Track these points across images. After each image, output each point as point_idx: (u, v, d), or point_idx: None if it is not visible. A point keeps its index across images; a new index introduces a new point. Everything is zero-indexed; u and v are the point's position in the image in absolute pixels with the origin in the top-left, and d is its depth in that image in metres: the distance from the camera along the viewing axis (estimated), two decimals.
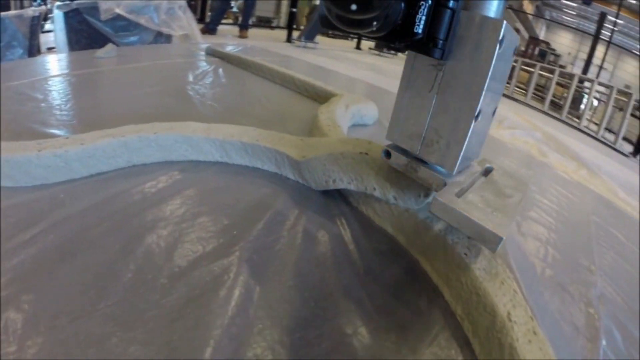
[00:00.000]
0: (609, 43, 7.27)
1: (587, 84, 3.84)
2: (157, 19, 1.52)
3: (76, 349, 0.22)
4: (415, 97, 0.33)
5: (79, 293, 0.25)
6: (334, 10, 0.27)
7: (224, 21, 3.18)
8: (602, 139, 2.90)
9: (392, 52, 3.77)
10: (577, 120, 3.33)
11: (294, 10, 3.14)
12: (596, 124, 3.31)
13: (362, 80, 1.56)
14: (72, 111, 0.57)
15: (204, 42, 1.59)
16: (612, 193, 1.11)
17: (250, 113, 0.73)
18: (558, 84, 3.68)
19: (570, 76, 3.62)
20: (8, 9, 1.50)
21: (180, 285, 0.27)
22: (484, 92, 0.29)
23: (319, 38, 2.90)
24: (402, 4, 0.26)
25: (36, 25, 1.42)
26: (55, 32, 1.41)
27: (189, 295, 0.27)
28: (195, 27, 1.79)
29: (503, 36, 0.28)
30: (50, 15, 1.58)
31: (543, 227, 0.55)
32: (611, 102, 3.06)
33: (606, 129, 3.16)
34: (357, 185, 0.41)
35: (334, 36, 4.80)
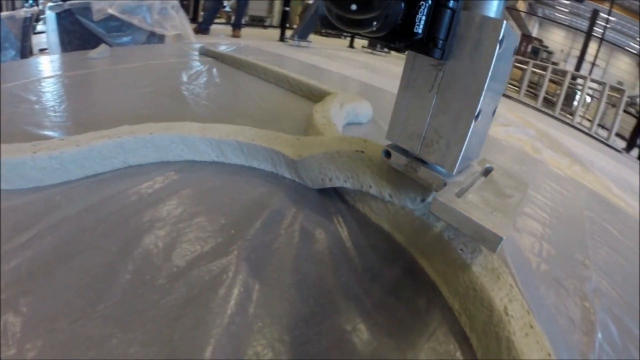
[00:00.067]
0: (602, 40, 7.33)
1: (579, 80, 3.87)
2: (150, 19, 1.52)
3: (76, 351, 0.22)
4: (415, 97, 0.33)
5: (78, 295, 0.25)
6: (334, 10, 0.27)
7: (216, 21, 3.17)
8: (595, 135, 2.92)
9: (385, 50, 3.78)
10: (570, 116, 3.36)
11: (287, 9, 3.14)
12: (589, 120, 3.34)
13: (356, 78, 1.57)
14: (66, 113, 0.57)
15: (197, 42, 1.58)
16: (606, 188, 1.12)
17: (245, 112, 0.73)
18: (551, 81, 3.71)
19: (563, 73, 3.65)
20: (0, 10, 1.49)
21: (179, 285, 0.28)
22: (484, 92, 0.29)
23: (311, 37, 2.90)
24: (402, 4, 0.26)
25: (28, 27, 1.41)
26: (47, 33, 1.40)
27: (188, 295, 0.27)
28: (188, 27, 1.78)
29: (503, 36, 0.28)
30: (42, 16, 1.57)
31: (537, 223, 0.55)
32: (604, 99, 3.09)
33: (599, 125, 3.19)
34: (354, 183, 0.41)
35: (327, 35, 4.81)
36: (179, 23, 1.70)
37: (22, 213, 0.32)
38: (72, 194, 0.36)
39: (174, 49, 1.36)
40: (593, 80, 3.56)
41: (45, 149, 0.37)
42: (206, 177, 0.44)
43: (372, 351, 0.26)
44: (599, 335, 0.35)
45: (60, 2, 1.30)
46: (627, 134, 3.34)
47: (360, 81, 1.52)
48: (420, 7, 0.27)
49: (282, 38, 2.88)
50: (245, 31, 3.06)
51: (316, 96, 0.89)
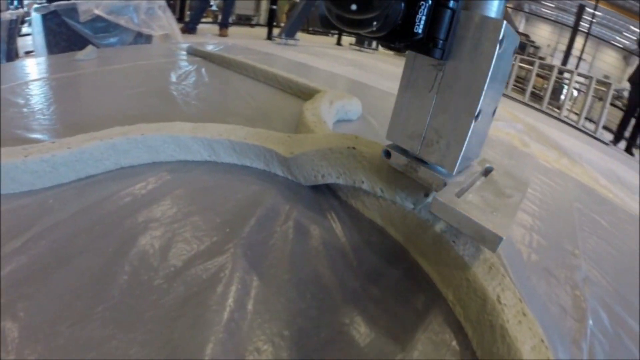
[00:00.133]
0: (588, 34, 7.42)
1: (566, 74, 3.91)
2: (137, 19, 1.50)
3: (76, 354, 0.22)
4: (415, 97, 0.33)
5: (75, 298, 0.25)
6: (334, 10, 0.27)
7: (203, 20, 3.14)
8: (583, 129, 2.96)
9: (373, 47, 3.79)
10: (557, 110, 3.40)
11: (274, 7, 3.13)
12: (576, 113, 3.38)
13: (344, 75, 1.57)
14: (55, 115, 0.56)
15: (185, 42, 1.57)
16: (594, 180, 1.14)
17: (235, 111, 0.73)
18: (538, 75, 3.75)
19: (550, 67, 3.69)
20: None
21: (176, 284, 0.28)
22: (484, 92, 0.29)
23: (299, 35, 2.89)
24: (402, 4, 0.26)
25: (13, 29, 1.39)
26: (33, 35, 1.38)
27: (186, 294, 0.27)
28: (175, 27, 1.77)
29: (503, 36, 0.28)
30: (27, 18, 1.54)
31: (527, 215, 0.56)
32: (591, 92, 3.13)
33: (586, 118, 3.24)
34: (346, 179, 0.41)
35: (314, 32, 4.80)
36: (166, 23, 1.69)
37: (16, 217, 0.32)
38: (65, 197, 0.36)
39: (162, 49, 1.35)
40: (580, 75, 3.60)
41: (36, 152, 0.36)
42: (199, 177, 0.44)
43: (370, 343, 0.27)
44: (590, 322, 0.36)
45: (45, 4, 1.28)
46: (614, 127, 3.39)
47: (348, 78, 1.52)
48: (420, 7, 0.27)
49: (269, 36, 2.87)
50: (232, 30, 3.05)
51: (305, 94, 0.89)
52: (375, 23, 0.26)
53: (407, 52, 0.32)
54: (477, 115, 0.30)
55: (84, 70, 0.87)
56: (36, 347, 0.22)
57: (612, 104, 3.41)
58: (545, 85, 3.56)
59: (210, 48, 1.35)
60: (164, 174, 0.43)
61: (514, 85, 3.78)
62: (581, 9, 6.62)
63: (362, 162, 0.40)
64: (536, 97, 3.84)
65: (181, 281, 0.28)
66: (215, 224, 0.36)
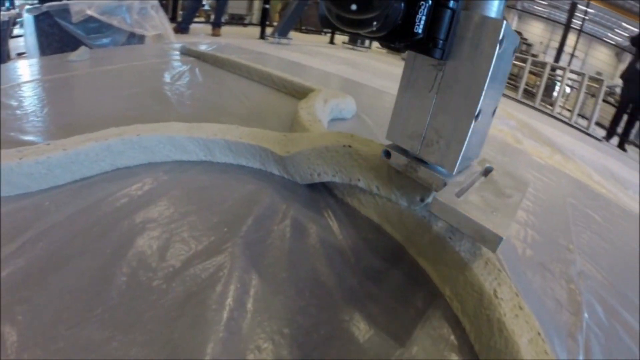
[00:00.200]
0: (580, 32, 7.47)
1: (559, 71, 3.94)
2: (130, 19, 1.49)
3: (76, 356, 0.22)
4: (415, 97, 0.33)
5: (74, 300, 0.25)
6: (334, 10, 0.27)
7: (196, 20, 3.13)
8: (575, 125, 2.99)
9: (366, 46, 3.79)
10: (550, 107, 3.42)
11: (267, 6, 3.12)
12: (569, 110, 3.41)
13: (337, 74, 1.58)
14: (49, 117, 0.56)
15: (178, 42, 1.57)
16: (587, 176, 1.15)
17: (229, 111, 0.73)
18: (531, 72, 3.77)
19: (543, 65, 3.71)
20: None
21: (175, 284, 0.28)
22: (484, 92, 0.29)
23: (292, 33, 2.89)
24: (402, 4, 0.26)
25: (5, 30, 1.37)
26: (25, 36, 1.37)
27: (185, 293, 0.27)
28: (168, 27, 1.76)
29: (503, 36, 0.28)
30: (19, 20, 1.53)
31: (522, 211, 0.57)
32: (583, 89, 3.16)
33: (579, 115, 3.26)
34: (342, 177, 0.41)
35: (307, 31, 4.80)
36: (159, 23, 1.68)
37: (12, 220, 0.32)
38: (61, 199, 0.36)
39: (155, 49, 1.35)
40: (572, 71, 3.63)
41: (31, 154, 0.36)
42: (195, 177, 0.44)
43: (370, 339, 0.27)
44: (586, 315, 0.36)
45: (37, 5, 1.27)
46: (606, 123, 3.42)
47: (341, 77, 1.53)
48: (420, 7, 0.27)
49: (262, 36, 2.86)
50: (225, 30, 3.03)
51: (300, 93, 0.89)
52: (375, 23, 0.26)
53: (406, 52, 0.32)
54: (477, 115, 0.30)
55: (77, 71, 0.86)
56: (35, 350, 0.22)
57: (604, 101, 3.44)
58: (538, 83, 3.59)
59: (203, 48, 1.35)
60: (160, 174, 0.43)
61: (507, 83, 3.80)
62: (573, 6, 6.67)
63: (358, 160, 0.40)
64: (529, 94, 3.86)
65: (180, 281, 0.28)
66: (212, 223, 0.36)
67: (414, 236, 0.37)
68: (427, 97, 0.32)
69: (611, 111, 3.46)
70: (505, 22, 0.28)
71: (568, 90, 4.31)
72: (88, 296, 0.26)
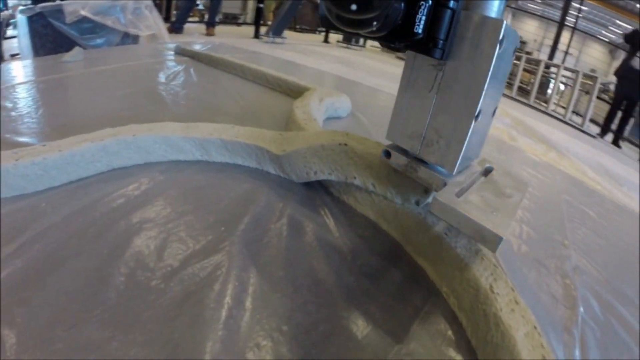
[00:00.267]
0: (574, 29, 7.51)
1: (553, 69, 3.96)
2: (124, 19, 1.49)
3: (76, 357, 0.22)
4: (415, 97, 0.33)
5: (72, 301, 0.25)
6: (334, 10, 0.27)
7: (189, 19, 3.12)
8: (570, 122, 3.00)
9: (360, 44, 3.79)
10: (544, 104, 3.44)
11: (261, 5, 3.11)
12: (563, 107, 3.43)
13: (332, 73, 1.58)
14: (44, 118, 0.55)
15: (172, 42, 1.56)
16: (582, 173, 1.16)
17: (224, 111, 0.73)
18: (525, 70, 3.79)
19: (537, 62, 3.73)
20: None
21: (174, 284, 0.28)
22: (484, 92, 0.29)
23: (286, 32, 2.89)
24: (402, 4, 0.26)
25: None
26: (18, 37, 1.36)
27: (184, 292, 0.27)
28: (162, 27, 1.76)
29: (503, 36, 0.28)
30: (12, 21, 1.52)
31: None
32: (577, 86, 3.18)
33: (573, 112, 3.28)
34: (338, 175, 0.41)
35: (302, 30, 4.80)
36: (153, 23, 1.67)
37: (8, 222, 0.32)
38: (58, 200, 0.36)
39: (149, 49, 1.34)
40: (566, 69, 3.65)
41: (27, 155, 0.36)
42: (192, 176, 0.44)
43: (368, 336, 0.27)
44: (581, 309, 0.36)
45: (31, 6, 1.26)
46: (600, 120, 3.44)
47: (336, 75, 1.53)
48: (420, 7, 0.27)
49: (256, 35, 2.86)
50: (219, 29, 3.03)
51: (295, 92, 0.89)
52: (375, 23, 0.26)
53: (406, 52, 0.32)
54: (477, 115, 0.30)
55: (71, 72, 0.86)
56: (35, 352, 0.21)
57: (598, 98, 3.47)
58: (532, 80, 3.60)
59: (197, 47, 1.34)
60: (156, 174, 0.43)
61: None
62: (567, 3, 6.70)
63: (353, 159, 0.40)
64: (523, 91, 3.88)
65: (178, 281, 0.28)
66: (209, 222, 0.36)
67: (410, 233, 0.38)
68: (427, 97, 0.32)
69: (605, 108, 3.48)
70: (505, 22, 0.28)
71: (562, 87, 4.34)
72: (86, 297, 0.26)
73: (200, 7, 4.38)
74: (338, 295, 0.30)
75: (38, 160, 0.36)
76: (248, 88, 0.95)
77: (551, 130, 1.98)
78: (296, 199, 0.43)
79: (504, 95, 3.15)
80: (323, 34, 4.15)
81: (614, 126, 3.17)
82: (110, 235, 0.32)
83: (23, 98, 0.63)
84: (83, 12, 1.27)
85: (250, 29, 3.07)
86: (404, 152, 0.36)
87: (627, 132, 3.38)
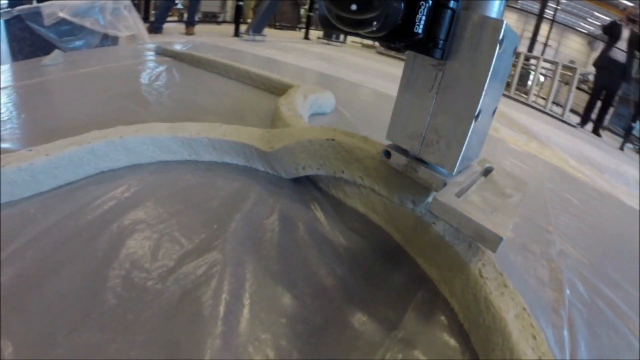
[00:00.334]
0: (553, 21, 7.63)
1: (533, 61, 4.02)
2: (103, 20, 1.46)
3: None
4: (415, 97, 0.33)
5: (69, 305, 0.25)
6: (334, 10, 0.27)
7: (169, 19, 3.08)
8: (550, 112, 3.06)
9: (341, 40, 3.79)
10: (525, 96, 3.50)
11: (241, 3, 3.09)
12: (544, 98, 3.49)
13: (313, 69, 1.59)
14: (27, 124, 0.55)
15: (152, 42, 1.55)
16: (563, 162, 1.19)
17: (209, 110, 0.73)
18: None
19: (517, 55, 3.78)
20: None
21: (170, 283, 0.28)
22: (484, 92, 0.29)
23: (266, 30, 2.88)
24: (402, 4, 0.26)
25: None
26: None
27: (181, 291, 0.27)
28: (142, 27, 1.73)
29: (503, 36, 0.28)
30: None
31: None
32: (557, 77, 3.24)
33: (553, 102, 3.34)
34: (326, 170, 0.42)
35: (282, 27, 4.78)
36: (132, 23, 1.65)
37: None
38: (47, 205, 0.35)
39: (129, 50, 1.33)
40: (546, 60, 3.72)
41: (13, 161, 0.36)
42: (181, 176, 0.44)
43: (363, 324, 0.28)
44: (567, 291, 0.38)
45: (8, 9, 1.23)
46: (580, 110, 3.51)
47: (317, 72, 1.54)
48: (420, 7, 0.27)
49: (236, 33, 2.83)
50: (198, 28, 2.99)
51: (278, 89, 0.89)
52: (375, 23, 0.26)
53: (406, 52, 0.32)
54: (477, 115, 0.30)
55: (51, 75, 0.84)
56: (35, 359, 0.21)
57: (578, 88, 3.54)
58: (512, 72, 3.66)
59: (178, 47, 1.33)
60: (145, 175, 0.43)
61: None
62: None
63: (341, 153, 0.41)
64: None
65: (174, 280, 0.28)
66: (202, 221, 0.36)
67: (398, 224, 0.38)
68: (427, 97, 0.32)
69: (585, 98, 3.55)
70: (505, 22, 0.28)
71: (542, 79, 4.41)
72: (83, 301, 0.25)
73: (179, 6, 4.32)
74: (332, 286, 0.31)
75: (25, 165, 0.36)
76: (231, 87, 0.95)
77: (532, 121, 2.01)
78: (286, 194, 0.43)
79: None
80: (303, 30, 4.13)
81: (593, 116, 3.24)
82: (104, 238, 0.32)
83: (3, 104, 0.62)
84: (61, 14, 1.25)
85: (230, 28, 3.04)
86: (404, 152, 0.36)
87: (606, 121, 3.46)
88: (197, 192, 0.41)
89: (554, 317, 0.34)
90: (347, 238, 0.37)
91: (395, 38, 0.28)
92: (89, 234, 0.32)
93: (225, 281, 0.28)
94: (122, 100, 0.71)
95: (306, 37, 3.81)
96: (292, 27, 5.05)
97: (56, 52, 0.96)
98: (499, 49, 0.28)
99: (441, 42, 0.29)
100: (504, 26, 0.28)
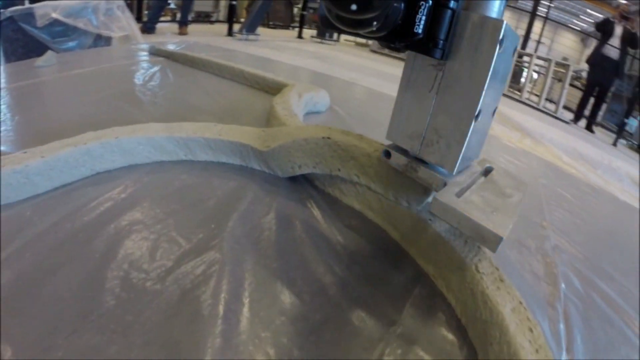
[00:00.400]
0: (546, 19, 7.66)
1: (526, 58, 4.04)
2: (96, 21, 1.45)
3: None
4: (415, 97, 0.33)
5: (68, 308, 0.25)
6: (334, 10, 0.27)
7: (162, 19, 3.06)
8: (544, 109, 3.08)
9: (334, 39, 3.79)
10: (518, 93, 3.52)
11: (234, 3, 3.08)
12: (537, 95, 3.51)
13: (307, 68, 1.59)
14: (21, 126, 0.54)
15: (145, 42, 1.54)
16: (557, 158, 1.20)
17: (204, 110, 0.73)
18: None
19: None
20: None
21: (169, 283, 0.28)
22: (484, 92, 0.29)
23: (259, 29, 2.87)
24: (402, 4, 0.26)
25: None
26: None
27: (180, 291, 0.27)
28: (135, 27, 1.72)
29: (503, 36, 0.28)
30: None
31: None
32: (550, 74, 3.25)
33: (547, 99, 3.36)
34: (322, 168, 0.42)
35: (275, 27, 4.78)
36: (126, 23, 1.64)
37: None
38: (43, 207, 0.35)
39: (123, 50, 1.32)
40: (539, 58, 3.74)
41: (8, 163, 0.35)
42: (177, 176, 0.44)
43: (362, 320, 0.28)
44: (563, 285, 0.38)
45: (0, 10, 1.22)
46: (574, 107, 3.53)
47: (311, 70, 1.54)
48: (420, 7, 0.27)
49: (230, 33, 2.82)
50: (191, 28, 2.98)
51: (273, 89, 0.89)
52: (375, 23, 0.26)
53: (406, 52, 0.32)
54: (477, 116, 0.30)
55: (45, 77, 0.84)
56: None
57: (571, 85, 3.56)
58: None
59: (172, 47, 1.33)
60: (141, 176, 0.43)
61: None
62: None
63: (337, 151, 0.41)
64: None
65: (173, 280, 0.28)
66: (199, 221, 0.36)
67: (395, 221, 0.39)
68: (427, 97, 0.32)
69: (578, 95, 3.57)
70: (505, 22, 0.28)
71: (535, 76, 4.44)
72: (82, 302, 0.25)
73: (172, 6, 4.30)
74: (331, 283, 0.31)
75: (20, 167, 0.35)
76: (226, 86, 0.95)
77: (526, 118, 2.03)
78: (282, 193, 0.43)
79: None
80: (297, 29, 4.13)
81: (587, 112, 3.26)
82: (101, 240, 0.32)
83: None
84: (54, 15, 1.24)
85: (223, 27, 3.03)
86: (404, 152, 0.36)
87: (599, 117, 3.49)
88: (193, 192, 0.41)
89: (549, 310, 0.34)
90: (344, 235, 0.38)
91: (395, 38, 0.28)
92: (86, 235, 0.32)
93: (224, 280, 0.29)
94: (116, 101, 0.70)
95: (300, 36, 3.80)
96: (286, 26, 5.04)
97: (49, 53, 0.95)
98: (499, 49, 0.28)
99: (441, 42, 0.29)
100: (504, 26, 0.28)
